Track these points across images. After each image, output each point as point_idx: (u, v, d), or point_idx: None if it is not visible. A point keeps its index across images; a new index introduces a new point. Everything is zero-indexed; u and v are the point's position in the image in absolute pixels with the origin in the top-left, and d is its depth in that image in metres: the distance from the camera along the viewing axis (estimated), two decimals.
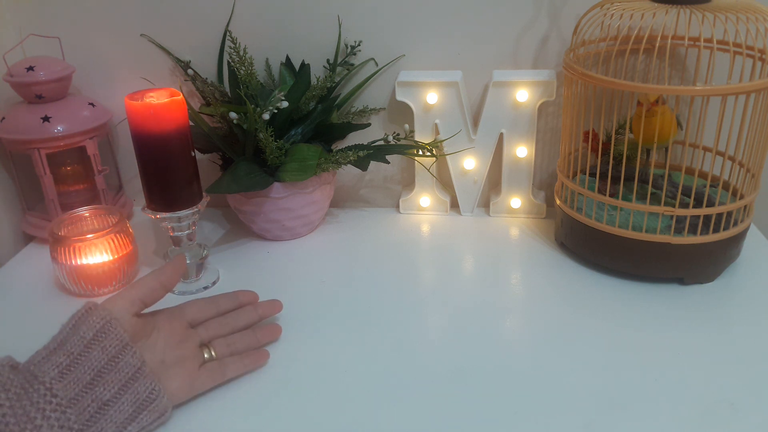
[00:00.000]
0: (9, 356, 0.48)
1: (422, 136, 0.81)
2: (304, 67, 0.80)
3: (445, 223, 0.84)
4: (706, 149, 0.75)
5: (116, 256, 0.70)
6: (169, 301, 0.58)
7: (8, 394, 0.43)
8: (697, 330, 0.61)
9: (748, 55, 0.64)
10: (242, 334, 0.59)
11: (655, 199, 0.70)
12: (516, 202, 0.84)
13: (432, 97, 0.78)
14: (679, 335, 0.61)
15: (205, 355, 0.56)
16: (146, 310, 0.54)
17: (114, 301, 0.51)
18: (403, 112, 0.83)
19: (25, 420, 0.43)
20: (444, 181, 0.86)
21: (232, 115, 0.70)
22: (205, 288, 0.71)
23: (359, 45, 0.80)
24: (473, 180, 0.84)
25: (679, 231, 0.66)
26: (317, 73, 0.82)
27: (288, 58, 0.82)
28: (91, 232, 0.69)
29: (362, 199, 0.90)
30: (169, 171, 0.66)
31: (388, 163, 0.78)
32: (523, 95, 0.77)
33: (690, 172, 0.76)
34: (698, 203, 0.67)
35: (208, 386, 0.55)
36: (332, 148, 0.81)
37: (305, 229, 0.82)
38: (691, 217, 0.66)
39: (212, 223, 0.87)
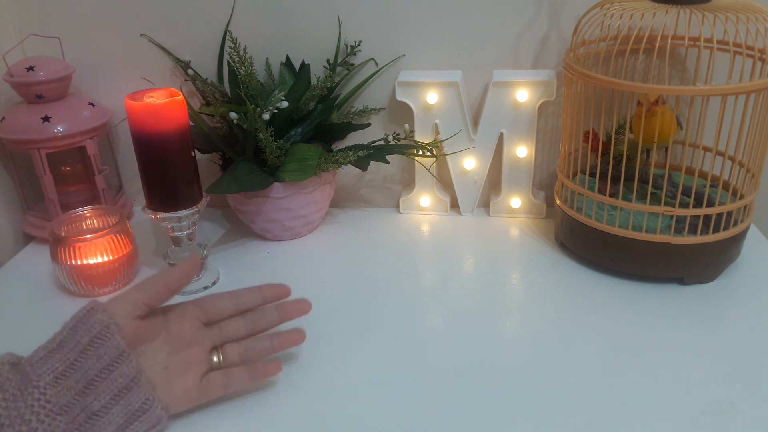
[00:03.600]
0: (10, 353, 0.47)
1: (422, 136, 0.81)
2: (304, 67, 0.80)
3: (445, 223, 0.84)
4: (706, 149, 0.75)
5: (116, 256, 0.70)
6: (169, 301, 0.58)
7: (5, 394, 0.43)
8: (697, 330, 0.61)
9: (748, 55, 0.64)
10: (257, 339, 0.55)
11: (655, 199, 0.70)
12: (516, 202, 0.84)
13: (432, 97, 0.78)
14: (679, 335, 0.61)
15: (214, 359, 0.54)
16: None
17: (116, 303, 0.50)
18: (403, 112, 0.83)
19: (20, 422, 0.43)
20: (444, 181, 0.86)
21: (232, 115, 0.70)
22: (205, 288, 0.71)
23: (359, 45, 0.80)
24: (473, 180, 0.84)
25: (679, 231, 0.66)
26: (317, 73, 0.82)
27: (288, 58, 0.82)
28: (91, 232, 0.69)
29: (362, 199, 0.90)
30: (169, 171, 0.66)
31: (388, 163, 0.78)
32: (523, 95, 0.77)
33: (690, 172, 0.76)
34: (698, 203, 0.67)
35: (209, 398, 0.53)
36: (332, 148, 0.81)
37: (305, 229, 0.82)
38: (691, 217, 0.66)
39: (212, 223, 0.87)
